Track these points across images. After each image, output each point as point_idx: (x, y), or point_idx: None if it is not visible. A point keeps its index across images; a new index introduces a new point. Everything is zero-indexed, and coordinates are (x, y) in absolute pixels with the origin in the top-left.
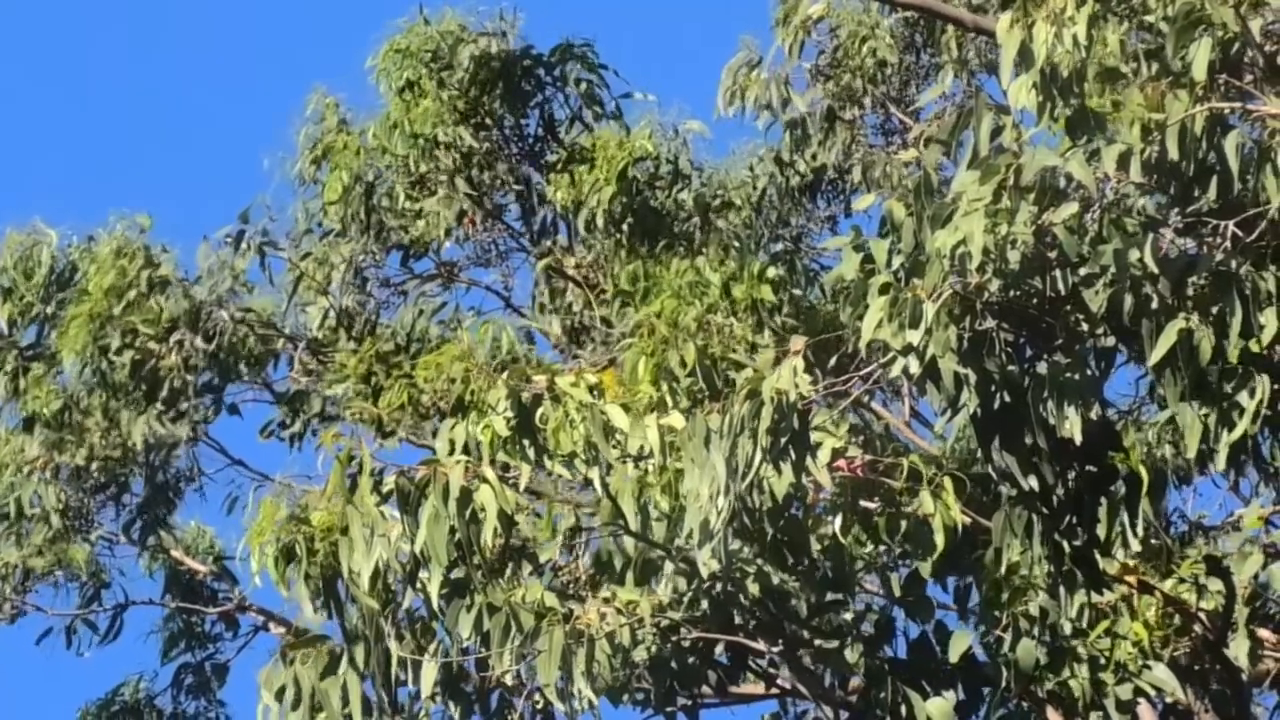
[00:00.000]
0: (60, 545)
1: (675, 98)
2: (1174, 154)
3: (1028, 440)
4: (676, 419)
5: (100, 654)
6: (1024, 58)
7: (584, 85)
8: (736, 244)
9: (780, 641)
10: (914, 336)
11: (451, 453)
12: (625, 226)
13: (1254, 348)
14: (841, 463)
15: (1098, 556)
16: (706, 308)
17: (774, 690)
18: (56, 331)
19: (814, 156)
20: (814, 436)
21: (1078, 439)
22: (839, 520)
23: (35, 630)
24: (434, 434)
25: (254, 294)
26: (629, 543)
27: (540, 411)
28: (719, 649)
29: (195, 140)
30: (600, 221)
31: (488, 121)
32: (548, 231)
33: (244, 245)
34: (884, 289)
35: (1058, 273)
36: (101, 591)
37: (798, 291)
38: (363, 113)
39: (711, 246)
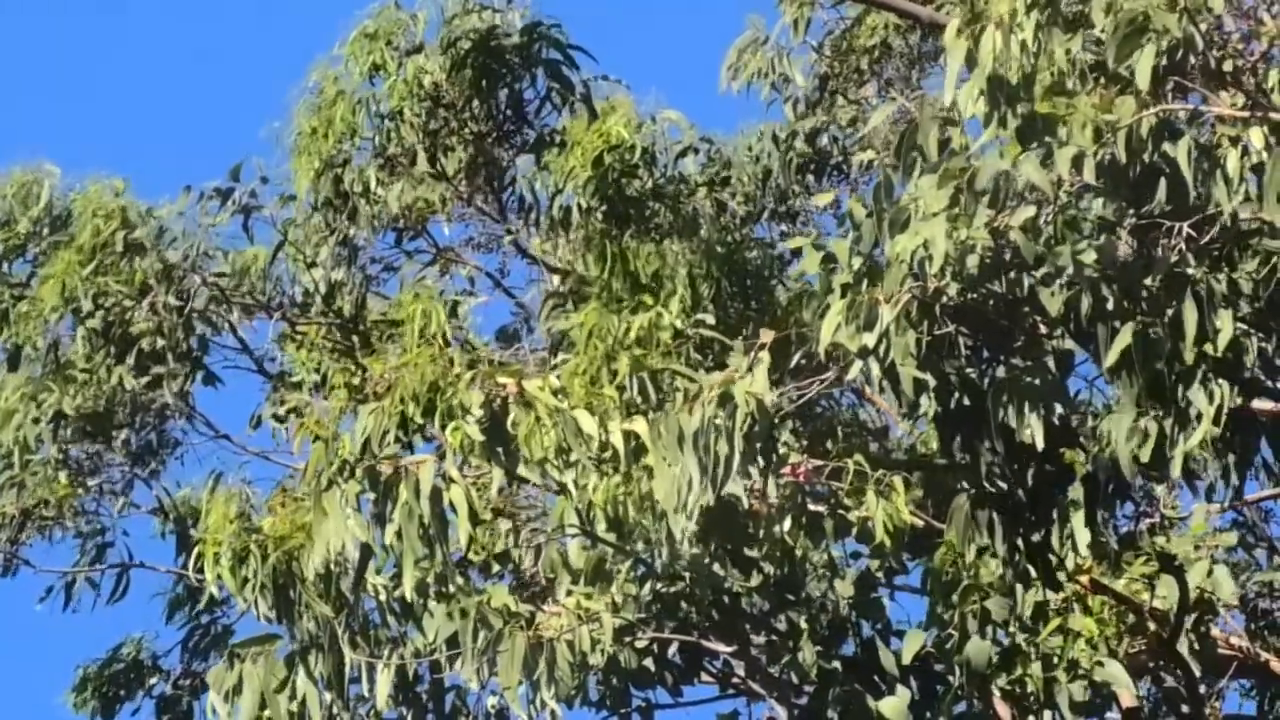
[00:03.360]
0: (59, 493)
1: (677, 85)
2: (1122, 157)
3: (987, 444)
4: (640, 424)
5: (101, 614)
6: (970, 65)
7: (552, 67)
8: (712, 225)
9: (734, 641)
10: (869, 339)
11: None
12: (600, 214)
13: (1210, 350)
14: (788, 467)
15: (1052, 556)
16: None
17: (729, 691)
18: (41, 275)
19: (813, 132)
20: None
21: (1039, 445)
22: (787, 523)
23: (28, 586)
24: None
25: (232, 257)
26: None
27: (511, 418)
28: (672, 649)
29: (214, 98)
30: (575, 208)
31: (457, 104)
32: (527, 217)
33: (230, 203)
34: (845, 291)
35: (1015, 275)
36: (106, 550)
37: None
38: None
39: (693, 227)
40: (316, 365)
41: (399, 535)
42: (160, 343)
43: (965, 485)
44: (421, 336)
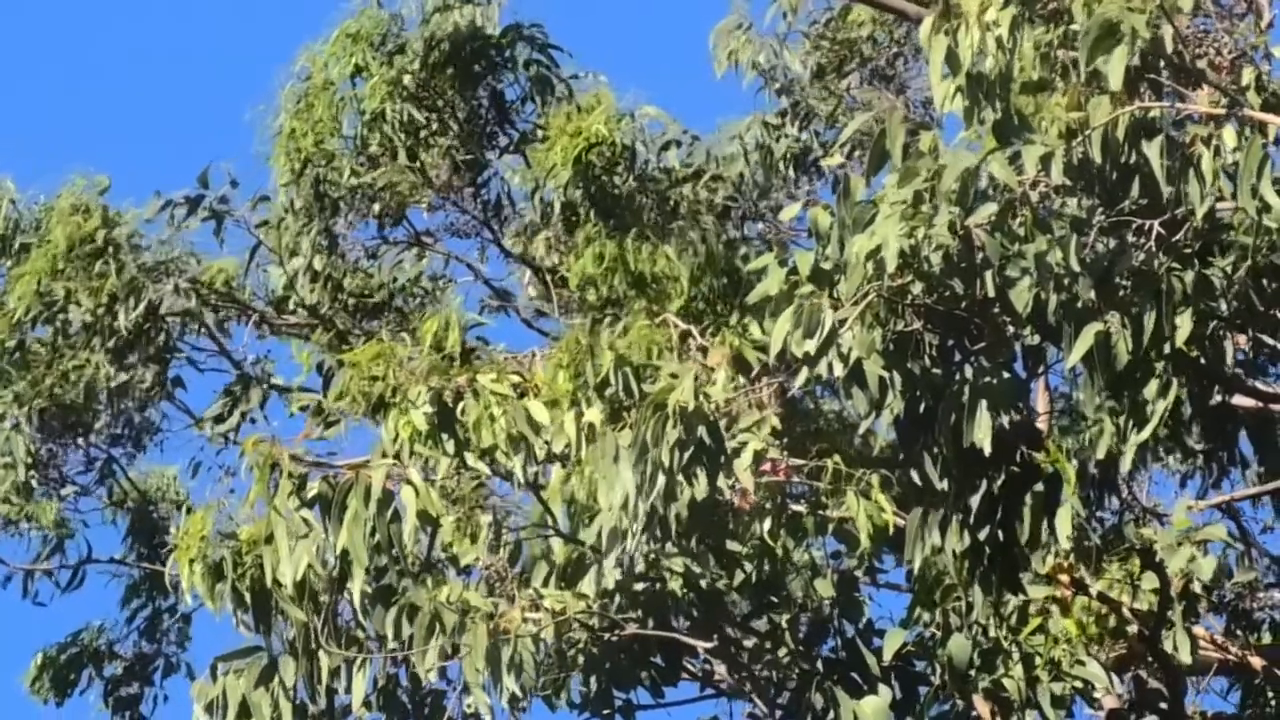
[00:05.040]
0: (26, 498)
1: (654, 79)
2: (1097, 157)
3: (945, 445)
4: (595, 414)
5: (65, 602)
6: (950, 63)
7: (533, 67)
8: (707, 226)
9: (715, 638)
10: (810, 345)
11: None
12: (581, 211)
13: (1179, 345)
14: (767, 466)
15: (1017, 558)
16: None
17: (709, 691)
18: (8, 280)
19: (800, 125)
20: (738, 439)
21: (987, 449)
22: (767, 523)
23: None
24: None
25: (206, 264)
26: (557, 544)
27: (460, 406)
28: (652, 649)
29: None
30: (557, 206)
31: (439, 104)
32: (505, 216)
33: (200, 210)
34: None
35: (984, 274)
36: (65, 543)
37: None
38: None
39: (685, 226)
40: (319, 365)
41: (345, 544)
42: (133, 339)
43: (921, 486)
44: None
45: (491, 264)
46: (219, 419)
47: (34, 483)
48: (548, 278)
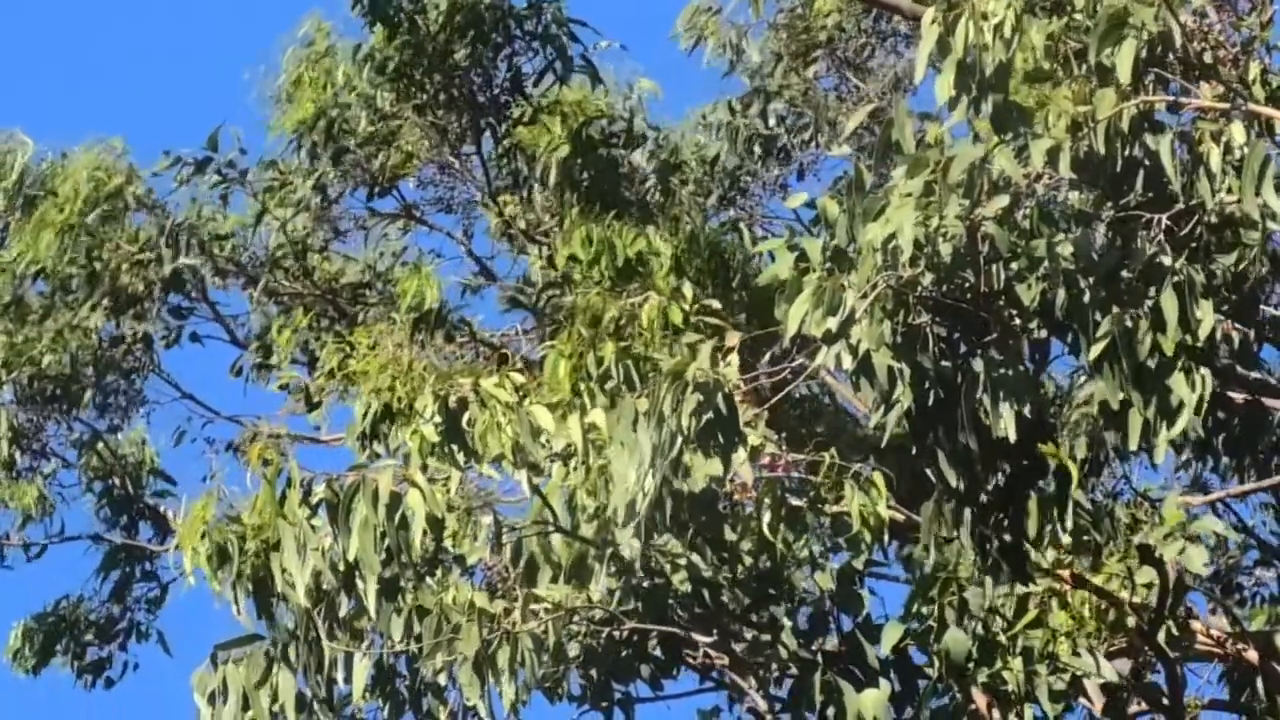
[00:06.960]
0: (10, 482)
1: (641, 53)
2: (1102, 150)
3: (960, 437)
4: (598, 415)
5: (42, 572)
6: (943, 51)
7: (555, 40)
8: (689, 209)
9: (714, 631)
10: (832, 323)
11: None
12: (581, 187)
13: (1190, 340)
14: (765, 460)
15: (1027, 550)
16: (643, 291)
17: (708, 684)
18: (18, 236)
19: (764, 112)
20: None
21: (1012, 437)
22: (766, 517)
23: None
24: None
25: (212, 222)
26: (559, 542)
27: (467, 416)
28: (652, 642)
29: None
30: (553, 179)
31: (456, 73)
32: (516, 181)
33: (208, 173)
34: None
35: (992, 267)
36: (44, 518)
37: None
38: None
39: (665, 212)
40: (303, 343)
41: (357, 552)
42: (150, 285)
43: (933, 478)
44: (416, 311)
45: (476, 241)
46: (265, 358)
47: (15, 457)
48: (540, 250)
